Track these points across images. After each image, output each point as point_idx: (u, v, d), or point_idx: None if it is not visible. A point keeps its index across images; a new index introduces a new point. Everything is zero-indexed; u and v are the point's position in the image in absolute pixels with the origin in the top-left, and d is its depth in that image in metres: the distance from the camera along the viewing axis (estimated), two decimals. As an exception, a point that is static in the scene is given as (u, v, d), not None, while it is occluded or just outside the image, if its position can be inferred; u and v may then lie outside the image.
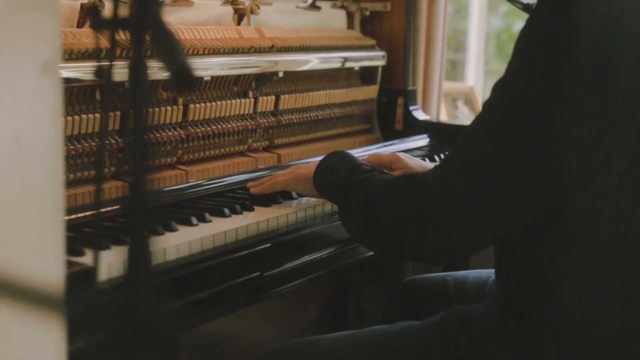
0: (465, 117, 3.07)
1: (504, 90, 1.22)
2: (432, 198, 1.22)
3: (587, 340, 1.27)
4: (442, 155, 2.20)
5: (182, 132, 1.81)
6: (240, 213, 1.57)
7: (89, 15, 0.94)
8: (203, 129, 1.87)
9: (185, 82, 0.75)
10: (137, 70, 0.95)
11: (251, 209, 1.59)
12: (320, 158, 2.01)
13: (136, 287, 0.93)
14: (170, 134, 1.79)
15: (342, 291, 2.66)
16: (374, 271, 2.64)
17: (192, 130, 1.84)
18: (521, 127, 1.18)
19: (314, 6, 2.29)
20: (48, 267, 0.91)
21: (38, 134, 0.92)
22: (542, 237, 1.27)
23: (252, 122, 2.01)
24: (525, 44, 1.20)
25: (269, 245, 1.49)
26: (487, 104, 1.24)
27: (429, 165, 1.75)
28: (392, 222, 1.28)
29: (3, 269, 0.85)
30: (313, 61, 2.16)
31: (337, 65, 2.27)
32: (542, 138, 1.17)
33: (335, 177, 1.45)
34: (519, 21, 6.51)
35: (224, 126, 1.93)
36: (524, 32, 1.21)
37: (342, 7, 2.42)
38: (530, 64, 1.18)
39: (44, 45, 0.92)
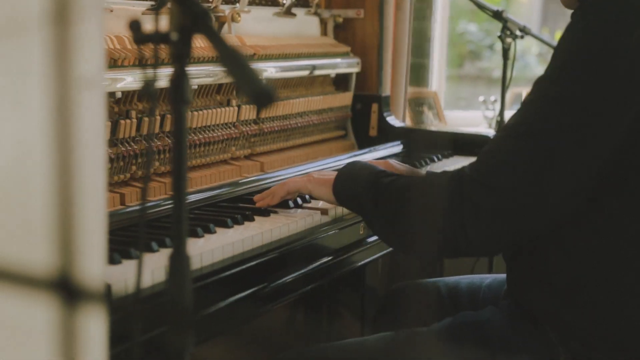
0: (430, 121, 3.11)
1: (546, 87, 1.25)
2: (470, 190, 1.24)
3: (605, 346, 1.30)
4: (421, 162, 2.22)
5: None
6: (242, 223, 1.56)
7: (131, 29, 0.92)
8: (188, 138, 1.84)
9: (266, 103, 0.74)
10: (179, 84, 0.95)
11: (252, 219, 1.59)
12: (300, 165, 2.04)
13: (177, 292, 0.94)
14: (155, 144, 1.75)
15: (314, 300, 2.66)
16: (346, 280, 2.64)
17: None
18: (562, 122, 1.21)
19: (289, 13, 2.29)
20: (91, 267, 0.91)
21: (82, 145, 0.91)
22: (566, 242, 1.30)
23: (235, 131, 2.00)
24: (570, 41, 1.24)
25: (275, 255, 1.48)
26: (528, 100, 1.27)
27: (420, 171, 1.77)
28: (427, 215, 1.29)
29: (50, 268, 0.85)
30: (294, 69, 2.17)
31: (317, 72, 2.28)
32: (583, 134, 1.20)
33: (360, 182, 1.46)
34: (462, 23, 6.61)
35: (208, 135, 1.92)
36: (568, 30, 1.25)
37: (316, 14, 2.43)
38: (574, 61, 1.22)
39: (87, 59, 0.91)
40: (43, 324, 0.84)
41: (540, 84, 1.27)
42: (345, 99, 2.44)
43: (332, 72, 2.38)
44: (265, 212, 1.63)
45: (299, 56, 2.22)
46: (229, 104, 1.99)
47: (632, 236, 1.26)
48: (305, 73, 2.23)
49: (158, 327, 1.13)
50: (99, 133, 0.92)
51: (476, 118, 3.33)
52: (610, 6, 1.22)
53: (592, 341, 1.31)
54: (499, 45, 6.43)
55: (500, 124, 2.54)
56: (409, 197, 1.35)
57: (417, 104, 3.10)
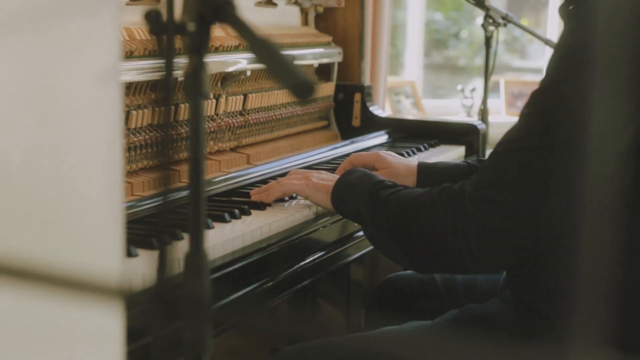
0: (407, 111, 3.09)
1: (544, 99, 1.22)
2: (471, 206, 1.22)
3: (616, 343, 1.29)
4: (408, 152, 2.20)
5: (151, 135, 1.73)
6: (239, 218, 1.53)
7: (148, 20, 0.89)
8: (175, 131, 1.80)
9: (307, 93, 0.71)
10: (196, 77, 0.92)
11: (249, 213, 1.55)
12: (285, 157, 2.01)
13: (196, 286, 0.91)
14: (141, 138, 1.71)
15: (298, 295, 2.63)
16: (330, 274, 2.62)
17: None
18: (564, 135, 1.19)
19: (270, 3, 2.26)
20: (108, 261, 0.89)
21: (98, 140, 0.87)
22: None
23: (222, 123, 1.96)
24: (565, 51, 1.21)
25: (275, 249, 1.46)
26: (526, 112, 1.24)
27: (412, 162, 1.75)
28: (430, 233, 1.27)
29: (67, 264, 0.83)
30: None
31: (300, 62, 2.25)
32: (582, 147, 1.18)
33: (358, 193, 1.42)
34: (428, 12, 6.60)
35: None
36: (562, 40, 1.22)
37: (296, 3, 2.40)
38: (570, 72, 1.19)
39: (103, 52, 0.87)
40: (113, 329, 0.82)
41: (537, 97, 1.25)
42: (327, 89, 2.42)
43: (315, 62, 2.35)
44: (261, 205, 1.60)
45: (282, 46, 2.18)
46: (215, 95, 1.95)
47: (634, 236, 1.25)
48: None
49: (173, 323, 1.11)
50: (116, 127, 0.89)
51: (454, 107, 3.33)
52: (601, 8, 1.19)
53: (603, 339, 1.29)
54: (464, 34, 6.42)
55: (483, 112, 2.53)
56: (408, 213, 1.33)
57: (394, 94, 3.08)
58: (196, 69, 0.91)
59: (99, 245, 0.89)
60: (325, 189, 1.51)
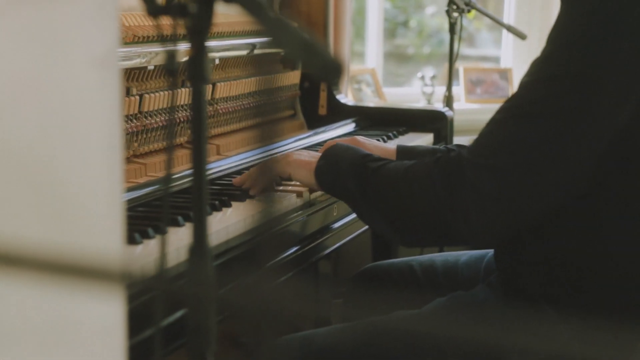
0: (369, 99, 3.07)
1: (546, 67, 1.22)
2: (470, 173, 1.20)
3: (601, 314, 1.29)
4: (378, 139, 2.18)
5: (137, 123, 1.69)
6: (220, 210, 1.48)
7: (144, 1, 0.85)
8: (159, 119, 1.75)
9: (335, 76, 0.68)
10: (197, 61, 0.88)
11: (229, 205, 1.51)
12: (254, 148, 1.97)
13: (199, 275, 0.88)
14: (128, 126, 1.67)
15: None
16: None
17: (147, 122, 1.72)
18: (565, 102, 1.18)
19: (235, -10, 2.21)
20: (109, 246, 0.87)
21: (97, 124, 0.83)
22: (566, 223, 1.28)
23: (191, 113, 1.91)
24: (566, 21, 1.21)
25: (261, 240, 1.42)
26: (526, 80, 1.23)
27: (389, 146, 1.73)
28: (423, 203, 1.25)
29: (68, 249, 0.80)
30: (249, 47, 2.09)
31: (265, 50, 2.20)
32: (586, 113, 1.18)
33: (345, 166, 1.39)
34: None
35: (164, 118, 1.82)
36: (564, 10, 1.21)
37: (260, -10, 2.35)
38: (574, 41, 1.19)
39: (101, 35, 0.82)
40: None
41: (538, 65, 1.24)
42: (293, 77, 2.38)
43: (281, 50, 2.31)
44: (240, 196, 1.56)
45: (249, 34, 2.14)
46: (183, 85, 1.90)
47: (633, 216, 1.25)
48: (261, 51, 2.16)
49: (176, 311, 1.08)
50: (115, 111, 0.84)
51: (414, 94, 3.32)
52: None
53: (595, 320, 1.29)
54: (413, 23, 6.42)
55: (448, 99, 2.52)
56: (400, 184, 1.30)
57: (355, 82, 3.05)
58: (198, 53, 0.88)
59: (99, 230, 0.85)
60: (308, 166, 1.47)
